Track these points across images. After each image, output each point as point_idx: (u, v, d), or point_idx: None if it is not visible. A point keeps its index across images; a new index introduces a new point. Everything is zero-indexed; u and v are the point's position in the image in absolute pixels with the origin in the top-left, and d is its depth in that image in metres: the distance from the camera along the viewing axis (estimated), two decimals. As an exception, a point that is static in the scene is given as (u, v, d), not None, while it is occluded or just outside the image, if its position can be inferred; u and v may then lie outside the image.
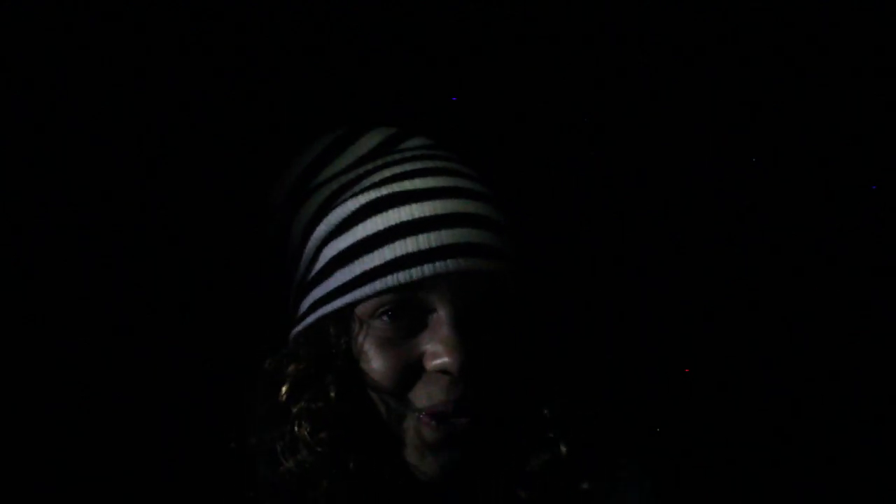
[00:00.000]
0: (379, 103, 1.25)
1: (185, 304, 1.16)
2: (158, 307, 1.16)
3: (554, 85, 1.34)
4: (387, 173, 0.94)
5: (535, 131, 1.34)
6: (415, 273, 0.87)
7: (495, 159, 1.09)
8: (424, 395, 0.89)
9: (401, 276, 0.87)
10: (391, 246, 0.88)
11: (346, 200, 0.93)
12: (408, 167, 0.94)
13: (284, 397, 0.92)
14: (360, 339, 0.91)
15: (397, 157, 0.97)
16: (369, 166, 0.97)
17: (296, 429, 0.91)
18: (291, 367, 0.93)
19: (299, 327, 0.94)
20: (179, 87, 1.19)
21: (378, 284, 0.88)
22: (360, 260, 0.89)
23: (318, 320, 0.93)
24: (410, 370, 0.89)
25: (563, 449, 0.94)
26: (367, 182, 0.94)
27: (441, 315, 0.88)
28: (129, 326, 1.15)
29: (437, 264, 0.87)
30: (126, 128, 1.16)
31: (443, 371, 0.87)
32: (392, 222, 0.89)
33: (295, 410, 0.92)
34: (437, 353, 0.87)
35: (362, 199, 0.92)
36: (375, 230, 0.89)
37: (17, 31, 1.11)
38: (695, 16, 1.33)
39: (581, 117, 1.35)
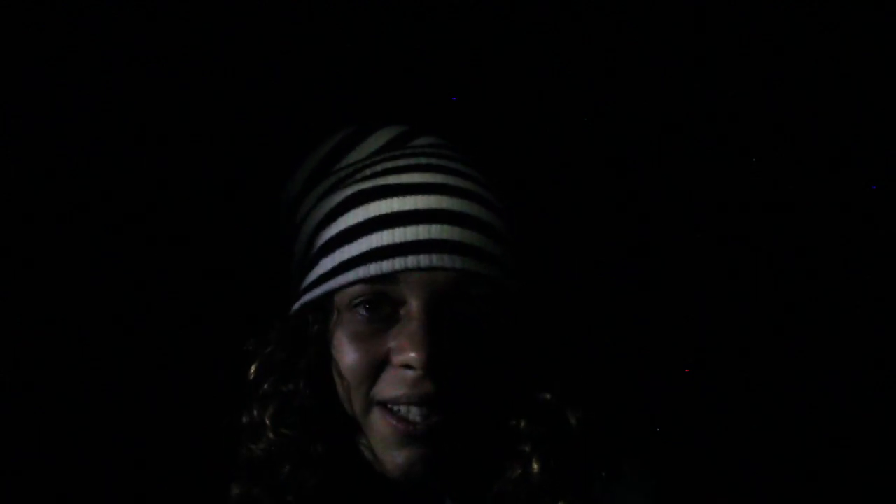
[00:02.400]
0: (400, 101, 1.26)
1: (192, 283, 1.17)
2: (163, 285, 1.17)
3: (570, 90, 1.34)
4: (379, 168, 0.94)
5: (549, 135, 1.33)
6: (386, 266, 0.86)
7: (507, 163, 1.09)
8: (387, 388, 0.89)
9: (372, 268, 0.87)
10: (368, 237, 0.89)
11: (337, 191, 0.94)
12: (402, 162, 0.94)
13: (252, 377, 0.94)
14: (335, 329, 0.92)
15: (397, 153, 0.97)
16: (368, 161, 0.97)
17: (260, 410, 0.93)
18: (265, 349, 0.95)
19: (289, 313, 0.95)
20: (220, 85, 1.22)
21: (351, 275, 0.88)
22: (341, 249, 0.90)
23: (301, 307, 0.93)
24: (379, 364, 0.89)
25: (535, 466, 0.92)
26: (359, 175, 0.95)
27: (411, 310, 0.88)
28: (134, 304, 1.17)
29: (409, 259, 0.86)
30: (157, 122, 1.20)
31: (406, 366, 0.87)
32: (372, 214, 0.90)
33: (261, 391, 0.93)
34: (403, 347, 0.87)
35: (350, 191, 0.93)
36: (357, 221, 0.90)
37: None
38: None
39: (593, 121, 1.34)
